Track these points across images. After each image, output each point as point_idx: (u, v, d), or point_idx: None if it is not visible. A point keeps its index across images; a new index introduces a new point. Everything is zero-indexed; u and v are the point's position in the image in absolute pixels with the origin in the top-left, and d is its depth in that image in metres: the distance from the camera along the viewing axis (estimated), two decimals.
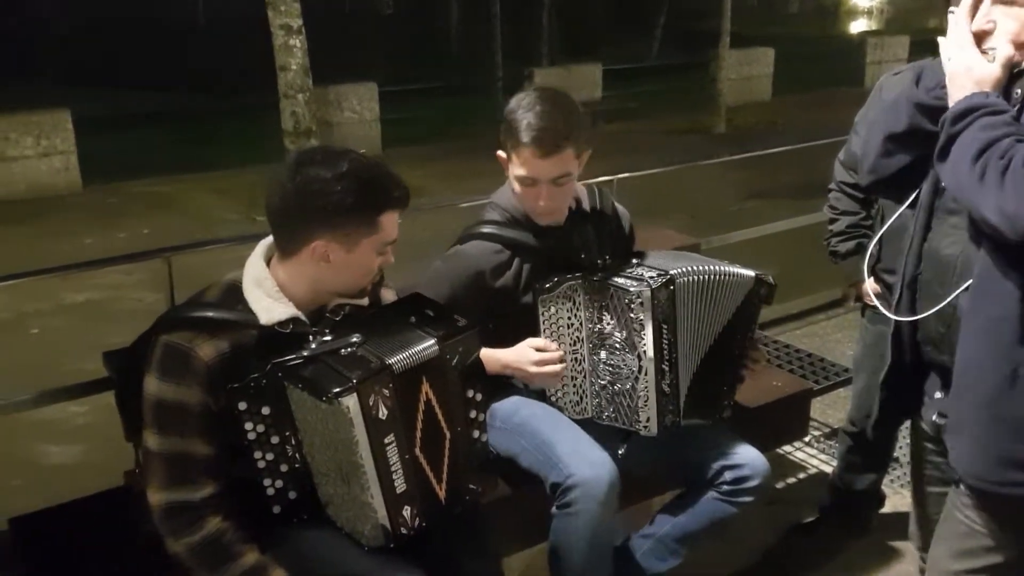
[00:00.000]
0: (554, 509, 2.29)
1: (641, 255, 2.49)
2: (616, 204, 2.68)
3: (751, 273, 2.43)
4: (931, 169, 1.84)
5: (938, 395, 1.97)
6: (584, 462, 2.27)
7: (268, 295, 1.91)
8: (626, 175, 3.54)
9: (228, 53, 16.68)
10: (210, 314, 1.89)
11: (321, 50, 9.67)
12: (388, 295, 2.17)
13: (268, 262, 1.97)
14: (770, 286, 2.44)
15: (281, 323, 1.89)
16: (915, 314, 1.96)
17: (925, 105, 1.81)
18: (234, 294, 1.93)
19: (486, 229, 2.45)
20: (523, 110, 2.32)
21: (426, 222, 2.65)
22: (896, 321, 1.99)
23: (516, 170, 2.36)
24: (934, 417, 1.98)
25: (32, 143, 10.47)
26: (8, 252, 7.40)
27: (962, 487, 1.84)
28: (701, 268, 2.37)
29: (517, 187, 2.39)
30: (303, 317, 1.92)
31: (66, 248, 7.68)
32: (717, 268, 2.39)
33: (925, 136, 1.79)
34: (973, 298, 1.75)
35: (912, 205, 1.98)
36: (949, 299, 1.84)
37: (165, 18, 22.01)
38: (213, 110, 15.10)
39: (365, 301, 2.04)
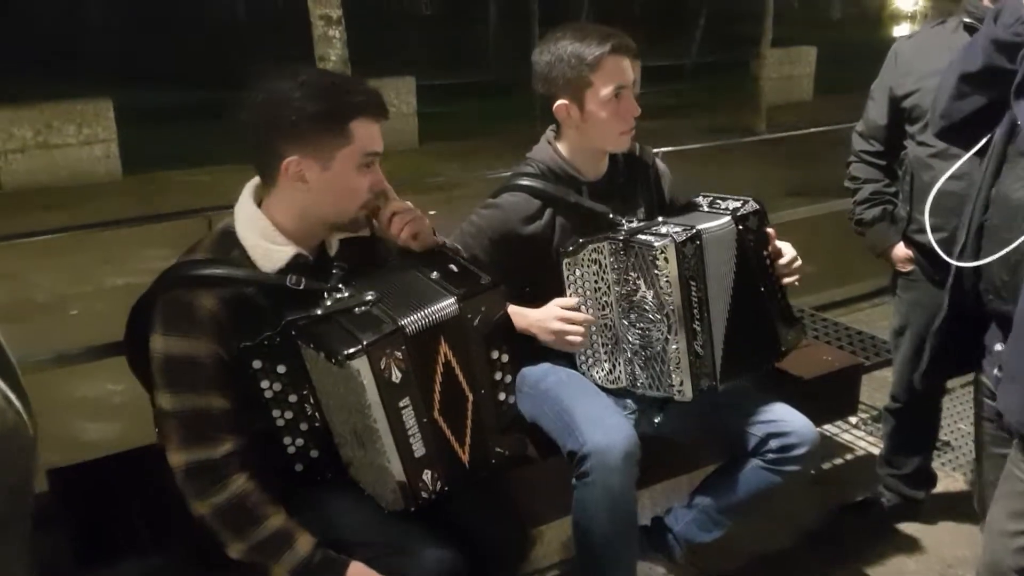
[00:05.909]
0: (574, 480, 2.19)
1: (673, 213, 2.40)
2: (657, 160, 2.59)
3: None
4: (1007, 111, 1.76)
5: (998, 347, 1.88)
6: (599, 430, 2.16)
7: (264, 236, 1.83)
8: (668, 148, 3.46)
9: (268, 47, 16.76)
10: (208, 271, 1.79)
11: (360, 46, 9.67)
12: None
13: (260, 205, 1.88)
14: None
15: (282, 270, 1.81)
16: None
17: (1003, 42, 1.72)
18: (229, 241, 1.85)
19: (519, 181, 2.38)
20: (574, 39, 2.27)
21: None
22: (957, 271, 1.91)
23: (603, 89, 2.27)
24: (995, 371, 1.88)
25: (74, 131, 10.60)
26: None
27: (1015, 443, 1.75)
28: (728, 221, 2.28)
29: (604, 115, 2.29)
30: (305, 252, 1.85)
31: (106, 233, 7.70)
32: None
33: (1002, 75, 1.71)
34: None
35: (981, 152, 1.89)
36: (1016, 244, 1.74)
37: (206, 12, 22.23)
38: None
39: (367, 232, 1.95)
